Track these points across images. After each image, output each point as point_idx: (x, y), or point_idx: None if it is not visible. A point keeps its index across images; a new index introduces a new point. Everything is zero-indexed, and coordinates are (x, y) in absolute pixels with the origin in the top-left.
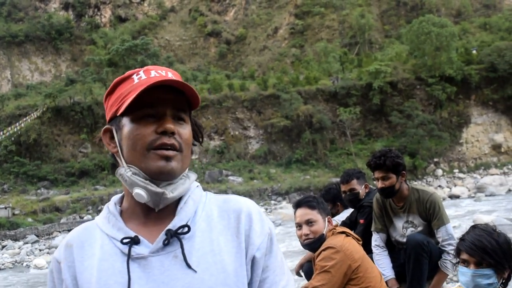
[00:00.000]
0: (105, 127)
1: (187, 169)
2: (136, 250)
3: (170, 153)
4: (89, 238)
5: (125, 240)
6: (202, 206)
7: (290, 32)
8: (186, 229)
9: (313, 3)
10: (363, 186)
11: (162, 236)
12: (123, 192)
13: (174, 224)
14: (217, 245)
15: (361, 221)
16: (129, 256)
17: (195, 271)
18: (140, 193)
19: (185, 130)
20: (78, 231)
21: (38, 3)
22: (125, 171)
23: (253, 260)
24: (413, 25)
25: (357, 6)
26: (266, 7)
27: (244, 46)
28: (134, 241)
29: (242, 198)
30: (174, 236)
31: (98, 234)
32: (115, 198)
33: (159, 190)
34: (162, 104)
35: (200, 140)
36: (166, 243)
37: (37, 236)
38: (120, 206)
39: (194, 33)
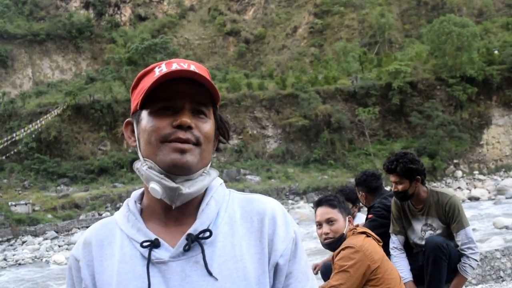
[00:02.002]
0: (126, 120)
1: (209, 165)
2: (156, 254)
3: (185, 146)
4: (108, 236)
5: (145, 244)
6: (225, 207)
7: (309, 32)
8: (207, 233)
9: (332, 2)
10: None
11: (182, 240)
12: (143, 188)
13: (195, 228)
14: (239, 250)
15: (370, 216)
16: (149, 260)
17: (216, 279)
18: (155, 187)
19: (205, 124)
20: (96, 228)
21: (59, 2)
22: (141, 165)
23: (276, 267)
24: (434, 25)
25: (377, 5)
26: (285, 6)
27: (263, 45)
28: (154, 244)
29: (267, 199)
30: (195, 241)
31: (117, 233)
32: (135, 194)
33: (173, 185)
34: (180, 97)
35: (226, 137)
36: (187, 249)
37: (57, 232)
38: (140, 204)
39: (213, 32)
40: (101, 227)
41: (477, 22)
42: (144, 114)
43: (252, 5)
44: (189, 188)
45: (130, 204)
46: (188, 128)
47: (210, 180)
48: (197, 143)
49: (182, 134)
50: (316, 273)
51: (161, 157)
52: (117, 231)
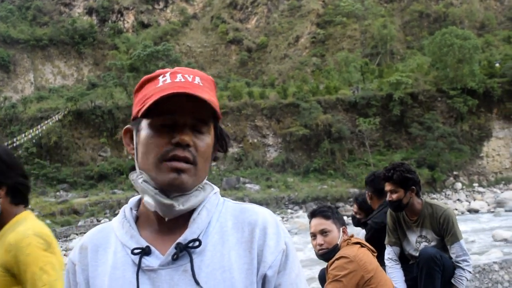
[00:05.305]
0: (126, 126)
1: (204, 181)
2: (146, 261)
3: (183, 165)
4: (104, 242)
5: (136, 251)
6: (217, 216)
7: (311, 41)
8: (196, 243)
9: (335, 13)
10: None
11: (172, 249)
12: (140, 196)
13: (185, 237)
14: (228, 260)
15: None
16: (139, 267)
17: None
18: (148, 201)
19: (203, 142)
20: (93, 234)
21: (62, 8)
22: (137, 177)
23: (264, 278)
24: (436, 37)
25: (379, 17)
26: (288, 15)
27: (265, 54)
28: (145, 251)
29: (260, 209)
30: (184, 250)
31: (113, 239)
32: (132, 201)
33: (167, 201)
34: (182, 112)
35: (224, 149)
36: (175, 258)
37: (55, 238)
38: (136, 211)
39: (216, 40)
40: (98, 232)
41: (479, 35)
42: (145, 124)
43: (255, 14)
44: (183, 205)
45: (126, 211)
46: (187, 146)
47: (205, 196)
48: (194, 162)
49: (180, 152)
50: None
51: (158, 176)
52: (113, 237)
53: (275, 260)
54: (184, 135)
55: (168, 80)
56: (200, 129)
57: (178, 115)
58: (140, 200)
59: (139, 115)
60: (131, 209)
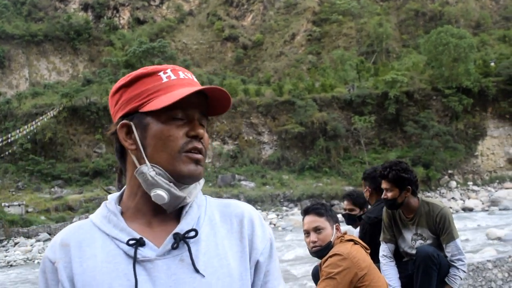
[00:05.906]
0: (123, 121)
1: None
2: (142, 252)
3: (199, 156)
4: (87, 238)
5: (131, 242)
6: (204, 209)
7: (307, 39)
8: (193, 233)
9: (331, 11)
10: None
11: (170, 239)
12: (121, 190)
13: (181, 228)
14: (222, 249)
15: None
16: (135, 258)
17: (203, 276)
18: (161, 194)
19: (206, 135)
20: (72, 230)
21: (58, 4)
22: (148, 170)
23: (257, 265)
24: (431, 36)
25: (375, 15)
26: (284, 13)
27: (261, 52)
28: (140, 243)
29: (242, 203)
30: (182, 240)
31: (96, 234)
32: (113, 197)
33: (181, 194)
34: (192, 107)
35: None
36: (175, 247)
37: (50, 234)
38: (119, 205)
39: (211, 37)
40: (78, 229)
41: (474, 34)
42: (152, 120)
43: (251, 11)
44: (189, 197)
45: (110, 205)
46: (201, 138)
47: (200, 188)
48: (204, 154)
49: (197, 144)
50: None
51: (176, 167)
52: (96, 232)
53: (265, 248)
54: (198, 128)
55: (173, 77)
56: (204, 123)
57: (189, 110)
58: (121, 196)
59: (145, 109)
60: (114, 203)
